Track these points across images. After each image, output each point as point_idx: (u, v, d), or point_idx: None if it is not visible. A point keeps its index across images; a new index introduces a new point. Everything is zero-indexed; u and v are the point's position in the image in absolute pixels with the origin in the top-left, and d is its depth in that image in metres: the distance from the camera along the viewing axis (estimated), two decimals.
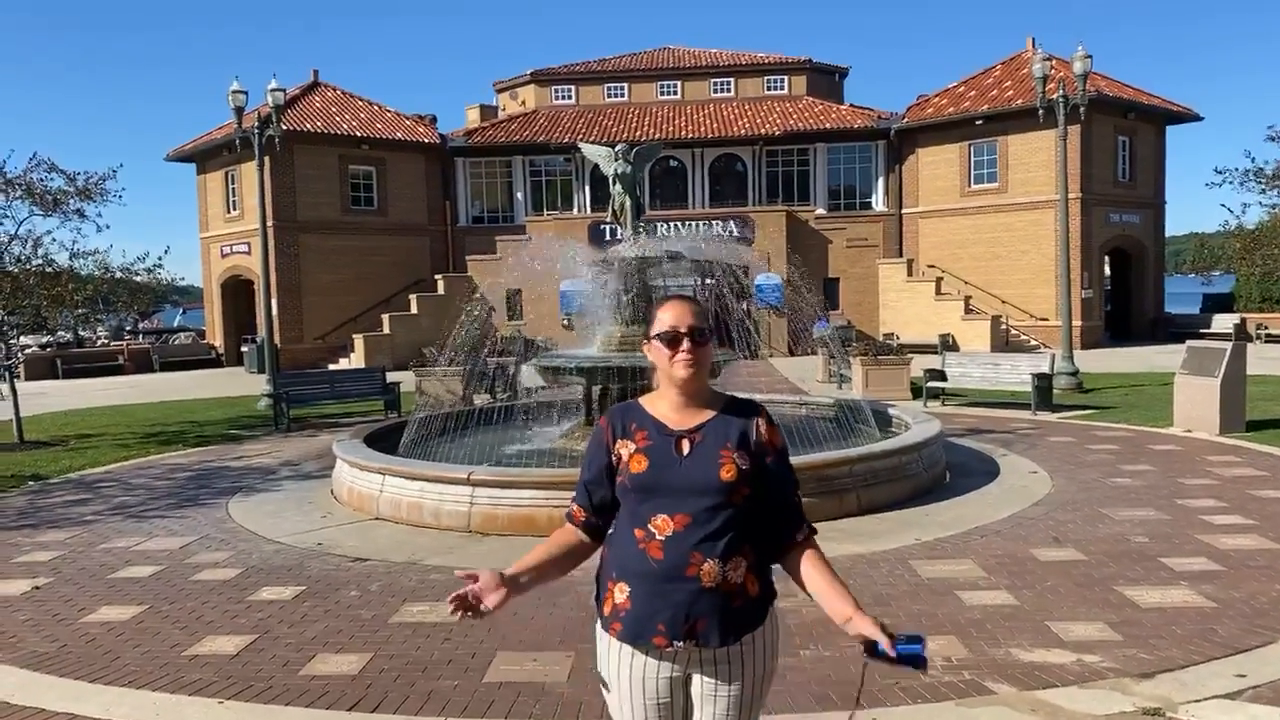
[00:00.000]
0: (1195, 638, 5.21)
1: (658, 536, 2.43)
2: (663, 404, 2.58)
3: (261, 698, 4.80)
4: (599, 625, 2.57)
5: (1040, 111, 18.95)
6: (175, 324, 46.81)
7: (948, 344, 26.44)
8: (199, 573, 7.15)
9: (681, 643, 2.41)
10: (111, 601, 6.49)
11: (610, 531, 2.59)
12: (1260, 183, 14.23)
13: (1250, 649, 5.02)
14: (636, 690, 2.49)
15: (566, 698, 4.69)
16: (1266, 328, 29.45)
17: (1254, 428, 12.26)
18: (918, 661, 2.29)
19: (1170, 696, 4.48)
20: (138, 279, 15.57)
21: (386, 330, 29.36)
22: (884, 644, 2.30)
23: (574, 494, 2.65)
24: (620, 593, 2.47)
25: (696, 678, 2.48)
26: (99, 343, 37.48)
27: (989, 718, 4.34)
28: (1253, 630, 5.29)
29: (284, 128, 20.71)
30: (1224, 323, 29.75)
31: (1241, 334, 26.96)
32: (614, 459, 2.54)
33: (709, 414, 2.55)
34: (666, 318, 2.53)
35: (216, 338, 33.40)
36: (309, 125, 30.24)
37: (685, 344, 2.49)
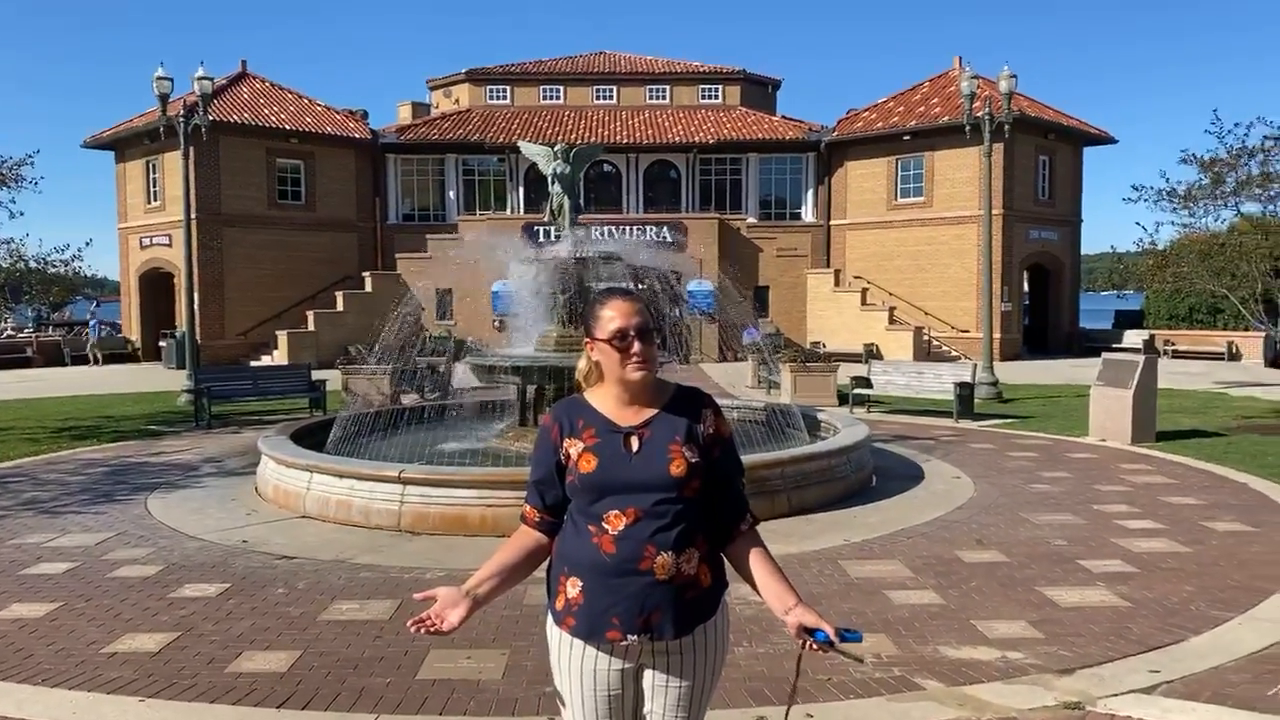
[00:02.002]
0: (1112, 635, 5.40)
1: (610, 531, 2.42)
2: (609, 399, 2.56)
3: (185, 695, 4.67)
4: (550, 620, 2.55)
5: (966, 128, 19.47)
6: (88, 317, 45.12)
7: (872, 353, 26.95)
8: (117, 569, 6.92)
9: (635, 636, 2.41)
10: (22, 599, 6.24)
11: (562, 527, 2.57)
12: (1173, 203, 14.84)
13: (1163, 646, 5.23)
14: (588, 682, 2.48)
15: (502, 694, 4.66)
16: (1173, 343, 30.66)
17: (1163, 438, 12.76)
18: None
19: (1089, 691, 4.64)
20: (54, 270, 15.03)
21: (311, 328, 28.81)
22: (829, 632, 2.35)
23: (525, 495, 2.61)
24: (573, 587, 2.46)
25: (648, 669, 2.49)
26: (4, 334, 36.04)
27: (919, 713, 4.44)
28: (1165, 628, 5.51)
29: (210, 118, 20.21)
30: (1134, 338, 30.87)
31: (1150, 349, 28.01)
32: (562, 457, 2.52)
33: (656, 408, 2.54)
34: (614, 317, 2.49)
35: (133, 332, 32.34)
36: (236, 116, 29.52)
37: (637, 345, 2.47)
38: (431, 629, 2.38)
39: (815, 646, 2.38)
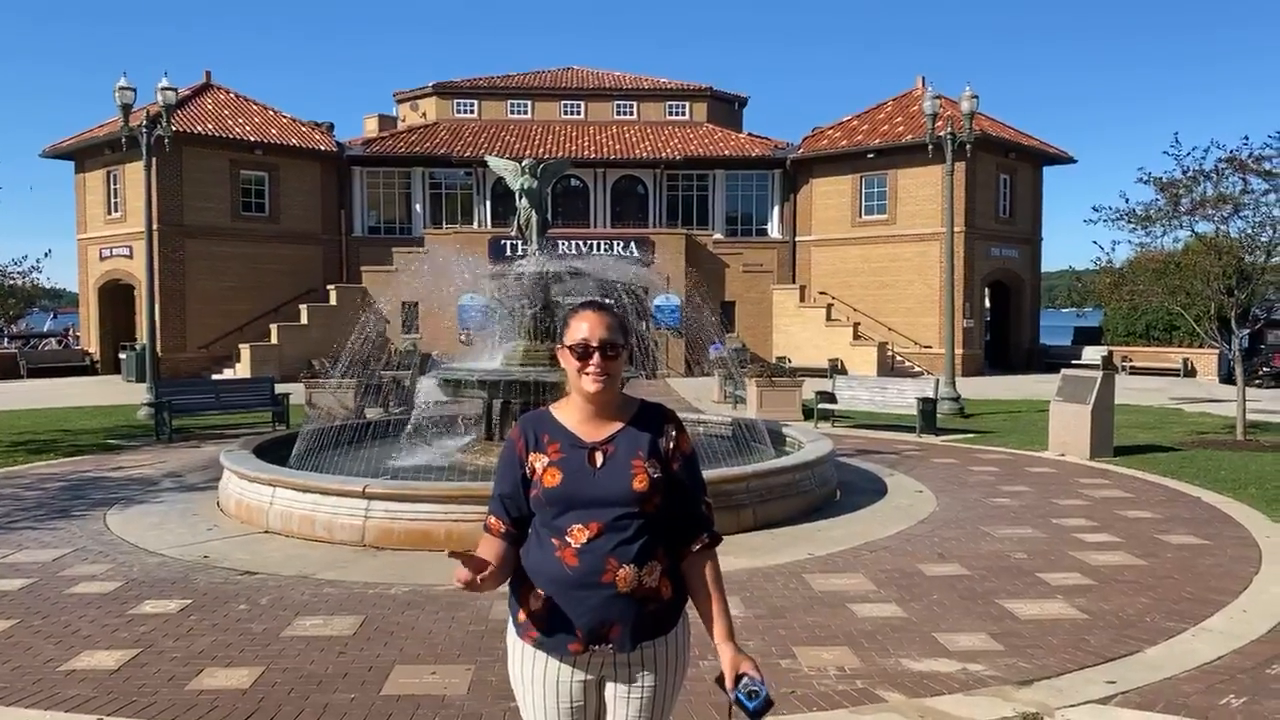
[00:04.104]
0: (1069, 647, 5.49)
1: (573, 544, 2.45)
2: (574, 412, 2.59)
3: (145, 713, 4.61)
4: (512, 631, 2.58)
5: (929, 147, 19.77)
6: (46, 328, 44.40)
7: (837, 368, 27.18)
8: (75, 585, 6.81)
9: (597, 647, 2.45)
10: None
11: (525, 540, 2.59)
12: (1131, 223, 15.13)
13: (1119, 657, 5.33)
14: (550, 694, 2.51)
15: (467, 710, 4.65)
16: (1130, 359, 31.20)
17: (1120, 452, 12.99)
18: (751, 715, 2.42)
19: (1047, 702, 4.72)
20: (11, 282, 14.79)
21: (274, 341, 28.52)
22: (727, 686, 2.47)
23: (489, 506, 2.62)
24: (536, 600, 2.49)
25: (610, 681, 2.52)
26: None
27: None
28: (1121, 640, 5.61)
29: (173, 129, 20.03)
30: (1093, 354, 31.40)
31: (1108, 365, 28.50)
32: (527, 471, 2.55)
33: (620, 423, 2.58)
34: (580, 328, 2.53)
35: (92, 344, 31.83)
36: (200, 127, 29.25)
37: (595, 358, 2.50)
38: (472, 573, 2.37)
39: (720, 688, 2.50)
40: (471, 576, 2.35)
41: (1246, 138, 14.49)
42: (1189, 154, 14.56)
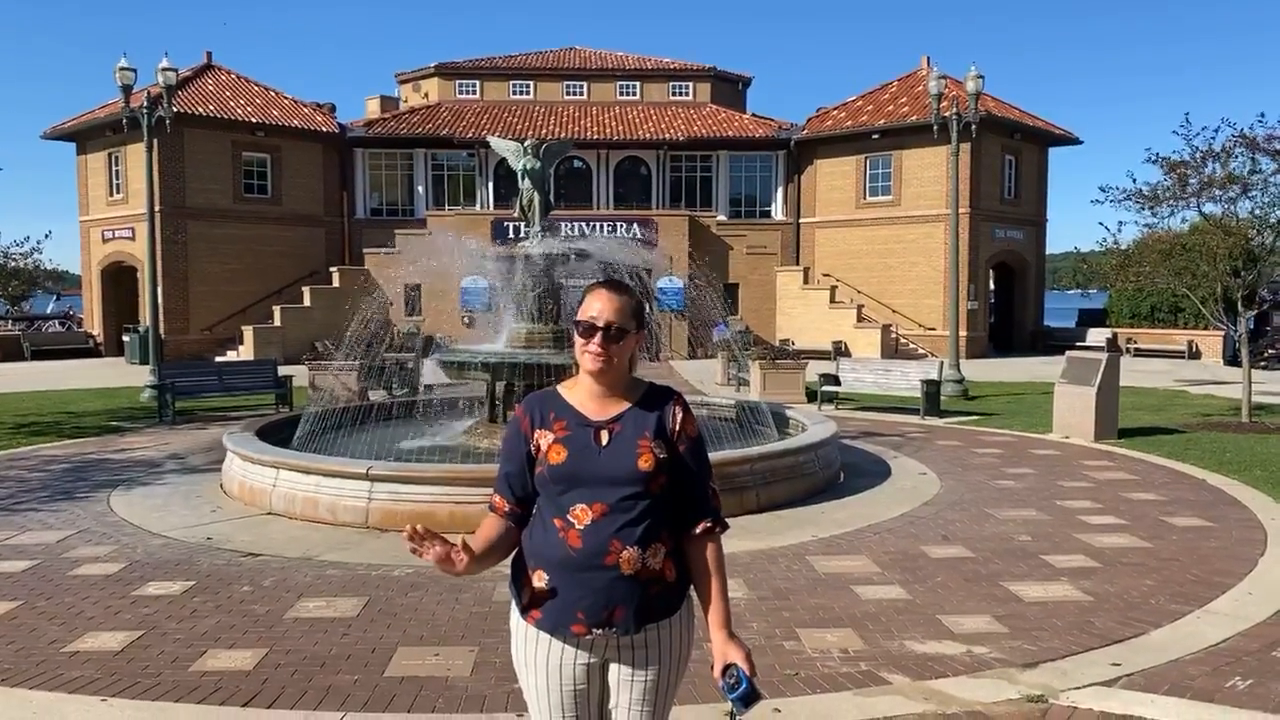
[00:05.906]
0: (1074, 629, 5.48)
1: (577, 525, 2.43)
2: (581, 391, 2.58)
3: (149, 695, 4.61)
4: (515, 613, 2.56)
5: (935, 128, 19.64)
6: (49, 310, 44.39)
7: (841, 350, 27.14)
8: (79, 567, 6.82)
9: (600, 630, 2.43)
10: None
11: (529, 521, 2.58)
12: (1138, 203, 15.02)
13: (1124, 639, 5.31)
14: (554, 677, 2.50)
15: (470, 691, 4.65)
16: (1135, 342, 31.10)
17: (1125, 435, 12.96)
18: (734, 705, 2.43)
19: (1052, 684, 4.71)
20: (14, 263, 14.77)
21: (277, 323, 28.50)
22: (715, 674, 2.48)
23: (495, 485, 2.61)
24: (539, 581, 2.47)
25: (613, 663, 2.51)
26: None
27: (885, 707, 4.48)
28: (1126, 622, 5.60)
29: (174, 110, 19.96)
30: (1098, 336, 31.30)
31: (1113, 347, 28.40)
32: (533, 448, 2.53)
33: (627, 403, 2.57)
34: (592, 306, 2.53)
35: (95, 326, 31.84)
36: (201, 108, 29.16)
37: (597, 338, 2.49)
38: (442, 563, 2.40)
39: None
40: (445, 551, 2.38)
41: (1262, 115, 14.29)
42: (1199, 134, 14.43)
